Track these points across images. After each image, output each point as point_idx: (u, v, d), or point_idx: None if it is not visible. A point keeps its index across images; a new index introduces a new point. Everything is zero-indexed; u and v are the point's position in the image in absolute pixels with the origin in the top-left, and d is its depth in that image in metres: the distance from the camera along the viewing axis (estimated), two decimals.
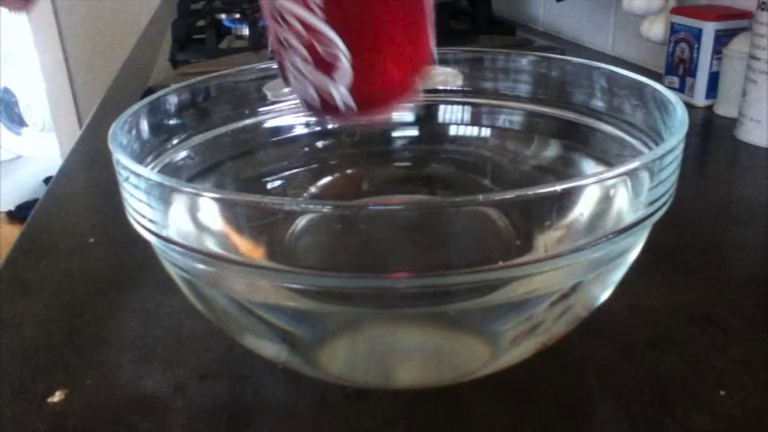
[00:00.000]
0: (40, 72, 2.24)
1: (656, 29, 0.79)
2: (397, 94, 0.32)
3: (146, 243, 0.28)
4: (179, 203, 0.27)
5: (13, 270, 0.45)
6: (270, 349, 0.32)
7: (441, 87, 0.44)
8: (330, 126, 0.33)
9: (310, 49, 0.29)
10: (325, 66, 0.29)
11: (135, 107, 0.34)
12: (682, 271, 0.43)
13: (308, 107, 0.32)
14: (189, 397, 0.33)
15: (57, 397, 0.33)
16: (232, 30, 1.09)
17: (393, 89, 0.31)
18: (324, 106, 0.31)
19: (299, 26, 0.29)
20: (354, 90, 0.30)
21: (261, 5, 0.31)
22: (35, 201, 0.66)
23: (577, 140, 0.40)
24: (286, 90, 0.42)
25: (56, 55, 2.21)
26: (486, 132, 0.44)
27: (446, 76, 0.44)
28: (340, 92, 0.30)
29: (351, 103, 0.30)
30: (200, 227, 0.28)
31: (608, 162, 0.38)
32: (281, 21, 0.29)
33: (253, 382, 0.34)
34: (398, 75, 0.31)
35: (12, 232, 2.10)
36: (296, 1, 0.28)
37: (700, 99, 0.74)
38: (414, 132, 0.46)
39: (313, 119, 0.32)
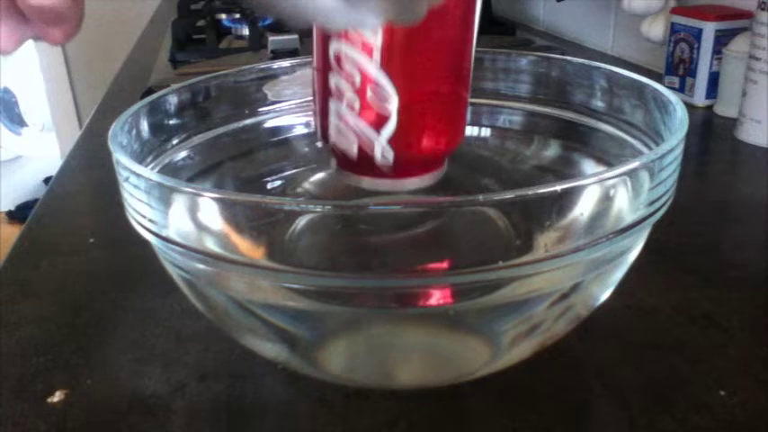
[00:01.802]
0: (39, 72, 2.24)
1: (656, 29, 0.79)
2: (432, 161, 0.33)
3: (146, 243, 0.28)
4: (179, 203, 0.27)
5: (13, 270, 0.45)
6: (270, 349, 0.32)
7: None
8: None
9: (361, 97, 0.30)
10: (373, 116, 0.30)
11: (135, 107, 0.34)
12: (682, 271, 0.43)
13: (342, 162, 0.32)
14: (189, 397, 0.33)
15: (57, 397, 0.33)
16: (232, 30, 1.09)
17: (430, 154, 0.32)
18: (360, 159, 0.31)
19: (355, 72, 0.29)
20: (395, 147, 0.30)
21: (314, 48, 0.31)
22: (35, 201, 0.66)
23: (577, 140, 0.40)
24: (287, 91, 0.42)
25: (56, 55, 2.21)
26: (486, 132, 0.44)
27: None
28: (382, 144, 0.30)
29: (389, 157, 0.30)
30: (200, 227, 0.28)
31: (608, 162, 0.38)
32: (336, 65, 0.30)
33: (253, 382, 0.34)
34: (439, 142, 0.32)
35: (12, 232, 2.10)
36: (358, 47, 0.29)
37: (700, 99, 0.74)
38: None
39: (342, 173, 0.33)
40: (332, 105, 0.31)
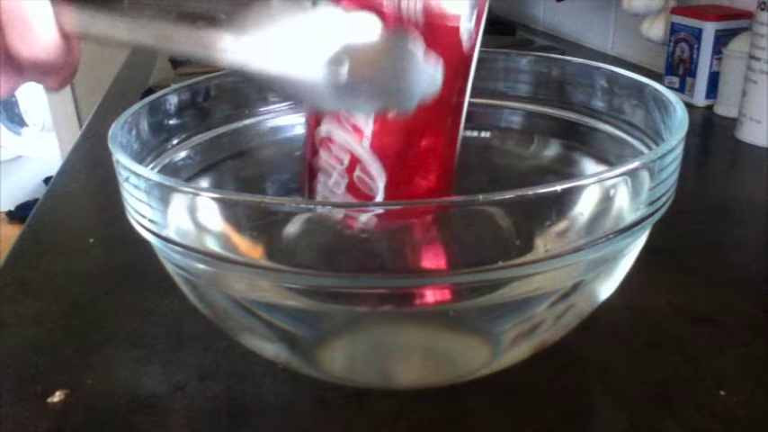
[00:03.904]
0: None
1: (656, 29, 0.79)
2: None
3: (146, 243, 0.28)
4: (179, 203, 0.27)
5: (13, 270, 0.45)
6: (270, 349, 0.32)
7: None
8: None
9: (350, 175, 0.30)
10: (360, 194, 0.31)
11: (135, 107, 0.34)
12: (682, 271, 0.43)
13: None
14: (189, 397, 0.33)
15: (57, 397, 0.33)
16: None
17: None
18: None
19: (345, 155, 0.30)
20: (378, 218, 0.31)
21: (307, 128, 0.32)
22: (35, 201, 0.66)
23: (577, 140, 0.40)
24: None
25: None
26: (486, 132, 0.44)
27: None
28: (366, 218, 0.31)
29: (372, 225, 0.31)
30: (199, 227, 0.28)
31: (608, 162, 0.38)
32: (327, 146, 0.31)
33: (253, 382, 0.34)
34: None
35: (12, 232, 2.10)
36: (349, 129, 0.30)
37: (700, 99, 0.74)
38: None
39: None
40: (320, 180, 0.32)
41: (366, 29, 0.26)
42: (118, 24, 0.26)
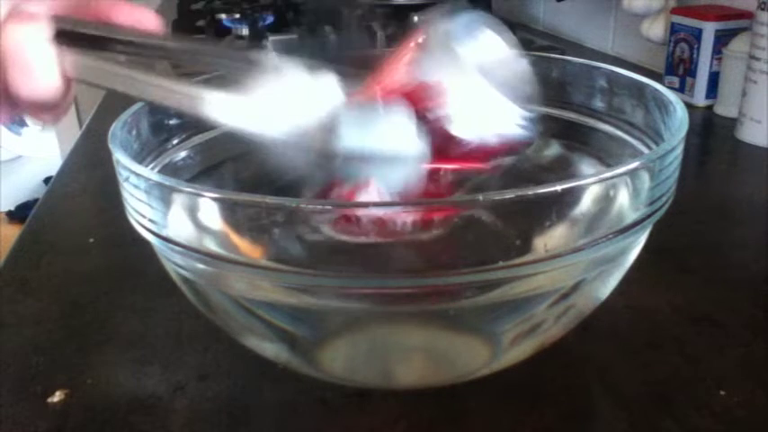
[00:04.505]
0: None
1: (656, 29, 0.79)
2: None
3: (146, 243, 0.28)
4: (179, 203, 0.27)
5: (13, 270, 0.45)
6: (270, 349, 0.32)
7: None
8: None
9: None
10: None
11: (135, 107, 0.34)
12: (682, 271, 0.43)
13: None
14: (189, 397, 0.33)
15: (57, 397, 0.33)
16: (232, 30, 1.09)
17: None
18: (337, 225, 0.32)
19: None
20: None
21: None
22: (35, 201, 0.66)
23: (577, 140, 0.40)
24: None
25: None
26: None
27: None
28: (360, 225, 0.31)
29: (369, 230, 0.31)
30: (200, 227, 0.28)
31: (608, 162, 0.38)
32: None
33: (253, 382, 0.34)
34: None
35: (12, 232, 2.10)
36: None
37: (700, 99, 0.74)
38: None
39: None
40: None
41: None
42: (116, 76, 0.27)
